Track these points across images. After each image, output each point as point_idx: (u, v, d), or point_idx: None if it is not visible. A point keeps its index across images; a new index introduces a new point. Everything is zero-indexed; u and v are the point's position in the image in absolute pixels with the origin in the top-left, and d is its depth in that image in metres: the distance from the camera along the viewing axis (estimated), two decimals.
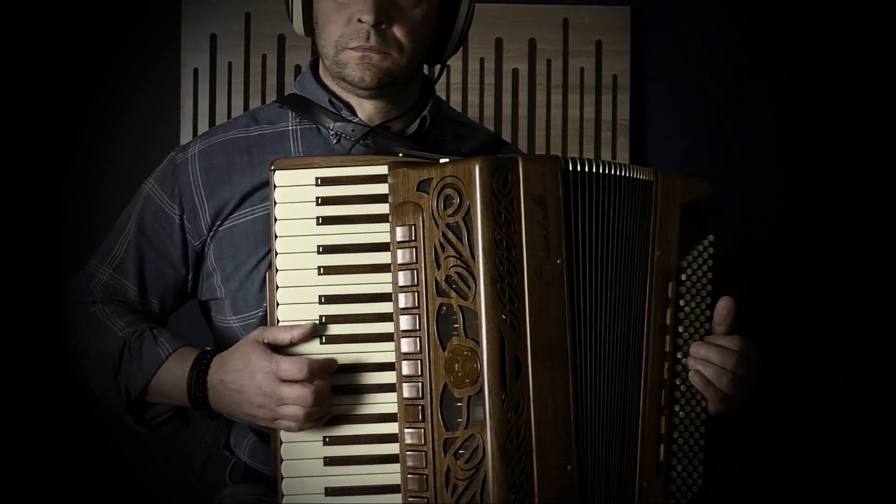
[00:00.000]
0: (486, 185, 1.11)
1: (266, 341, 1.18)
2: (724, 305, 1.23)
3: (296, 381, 1.14)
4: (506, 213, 1.12)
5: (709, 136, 2.32)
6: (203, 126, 2.21)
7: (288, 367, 1.14)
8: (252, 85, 2.24)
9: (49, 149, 2.15)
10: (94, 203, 1.46)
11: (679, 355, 1.22)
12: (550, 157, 1.15)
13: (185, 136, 2.20)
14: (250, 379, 1.17)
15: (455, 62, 2.26)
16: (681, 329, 1.22)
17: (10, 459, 1.99)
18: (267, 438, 1.25)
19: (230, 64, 2.24)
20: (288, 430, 1.16)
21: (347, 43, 1.27)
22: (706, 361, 1.21)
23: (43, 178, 2.12)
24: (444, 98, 2.22)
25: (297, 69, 2.24)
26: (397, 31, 1.27)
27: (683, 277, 1.23)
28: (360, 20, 1.25)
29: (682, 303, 1.23)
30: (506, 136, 2.26)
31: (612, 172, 1.19)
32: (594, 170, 1.18)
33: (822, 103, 2.33)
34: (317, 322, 1.18)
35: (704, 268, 1.25)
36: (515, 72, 2.29)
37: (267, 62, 2.25)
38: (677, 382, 1.22)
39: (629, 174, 1.20)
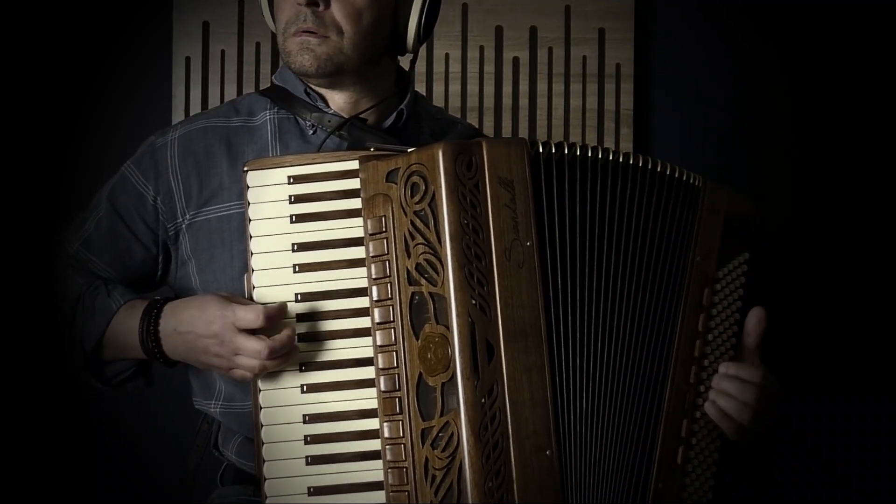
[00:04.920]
0: (450, 170, 1.16)
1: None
2: (754, 314, 1.29)
3: (253, 331, 1.20)
4: (471, 196, 1.17)
5: (713, 125, 2.35)
6: None
7: (244, 314, 1.20)
8: (245, 73, 2.30)
9: (39, 137, 2.22)
10: (84, 191, 1.54)
11: (706, 363, 1.27)
12: (517, 140, 1.21)
13: None
14: (206, 328, 1.23)
15: (454, 50, 2.31)
16: (710, 337, 1.28)
17: (5, 460, 2.06)
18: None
19: (223, 52, 2.30)
20: (243, 379, 1.23)
21: (290, 28, 1.35)
22: (725, 394, 1.25)
23: (31, 164, 2.19)
24: (442, 87, 2.29)
25: None
26: (336, 14, 1.34)
27: (718, 287, 1.29)
28: (298, 3, 1.33)
29: (714, 311, 1.28)
30: (506, 126, 2.31)
31: (602, 157, 1.24)
32: (570, 153, 1.22)
33: (822, 97, 2.35)
34: (286, 303, 1.23)
35: (737, 283, 1.31)
36: (516, 60, 2.33)
37: (260, 50, 2.30)
38: (701, 389, 1.27)
39: (650, 167, 1.26)
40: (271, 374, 1.23)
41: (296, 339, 1.22)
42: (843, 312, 2.33)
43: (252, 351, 1.19)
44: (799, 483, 2.32)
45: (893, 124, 2.35)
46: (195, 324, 1.24)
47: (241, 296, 1.25)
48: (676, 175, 1.28)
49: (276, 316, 1.21)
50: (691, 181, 1.29)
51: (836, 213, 2.35)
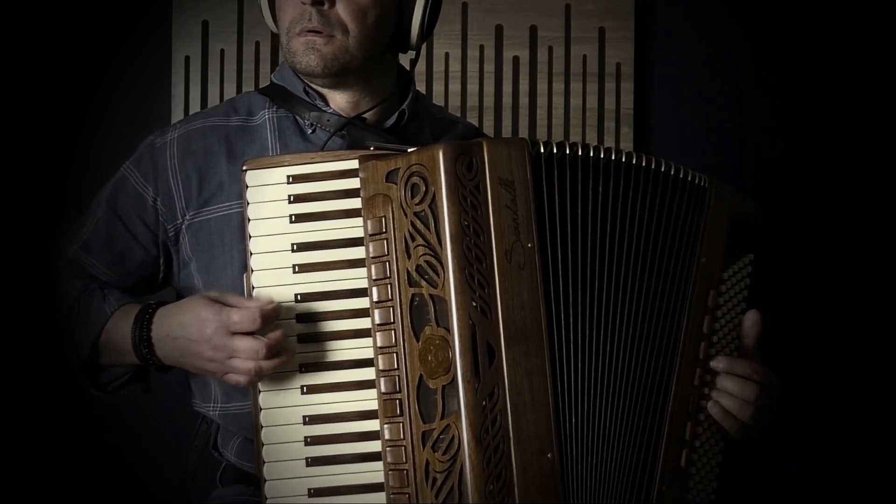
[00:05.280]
0: (450, 171, 1.15)
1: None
2: (749, 317, 1.28)
3: (248, 333, 1.19)
4: (472, 197, 1.16)
5: (713, 125, 2.35)
6: None
7: (240, 318, 1.19)
8: (245, 73, 2.29)
9: (39, 137, 2.22)
10: (84, 191, 1.54)
11: (710, 364, 1.26)
12: (518, 140, 1.20)
13: None
14: (199, 332, 1.21)
15: (454, 50, 2.31)
16: (715, 339, 1.27)
17: (5, 460, 2.06)
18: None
19: (222, 51, 2.29)
20: (237, 384, 1.21)
21: (295, 28, 1.34)
22: (727, 394, 1.25)
23: (31, 164, 2.19)
24: (442, 86, 2.29)
25: None
26: (341, 12, 1.33)
27: (723, 289, 1.28)
28: (303, 2, 1.32)
29: (719, 313, 1.28)
30: (506, 125, 2.30)
31: (604, 157, 1.23)
32: (573, 153, 1.21)
33: (822, 97, 2.35)
34: (280, 303, 1.22)
35: (741, 285, 1.30)
36: (516, 59, 2.33)
37: (260, 50, 2.30)
38: (705, 391, 1.26)
39: (653, 167, 1.25)
40: (271, 374, 1.21)
41: (296, 341, 1.21)
42: (842, 313, 2.32)
43: (249, 351, 1.18)
44: (797, 484, 2.32)
45: (893, 124, 2.34)
46: (187, 328, 1.23)
47: (240, 296, 1.24)
48: (681, 175, 1.27)
49: (271, 317, 1.20)
50: (696, 181, 1.28)
51: (837, 213, 2.35)
